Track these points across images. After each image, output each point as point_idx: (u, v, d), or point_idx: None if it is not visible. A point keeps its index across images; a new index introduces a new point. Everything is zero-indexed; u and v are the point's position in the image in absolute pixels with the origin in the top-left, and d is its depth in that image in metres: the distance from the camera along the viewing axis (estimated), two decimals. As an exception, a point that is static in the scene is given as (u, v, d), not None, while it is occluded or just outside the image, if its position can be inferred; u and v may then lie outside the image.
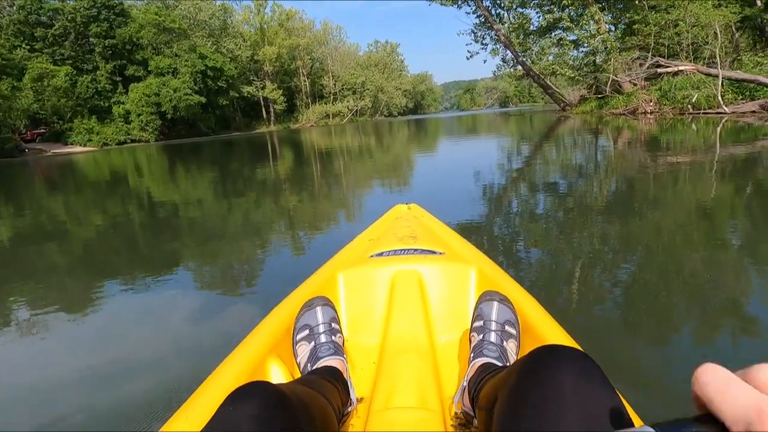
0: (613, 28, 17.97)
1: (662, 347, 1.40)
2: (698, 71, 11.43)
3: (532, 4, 19.73)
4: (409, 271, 1.03)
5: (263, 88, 42.66)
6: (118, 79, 32.65)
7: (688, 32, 13.35)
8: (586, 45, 18.18)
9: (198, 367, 1.38)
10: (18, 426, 1.23)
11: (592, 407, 0.42)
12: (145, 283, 2.37)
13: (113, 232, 3.79)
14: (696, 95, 11.07)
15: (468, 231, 2.72)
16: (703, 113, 10.72)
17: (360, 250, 1.17)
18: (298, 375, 0.83)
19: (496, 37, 21.15)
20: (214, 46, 37.95)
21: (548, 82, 20.15)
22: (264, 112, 44.47)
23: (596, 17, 17.21)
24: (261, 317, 0.95)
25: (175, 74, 32.22)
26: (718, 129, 7.78)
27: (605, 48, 16.96)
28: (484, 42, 22.21)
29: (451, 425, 0.72)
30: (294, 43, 44.16)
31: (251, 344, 0.83)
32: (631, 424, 0.36)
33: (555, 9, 18.31)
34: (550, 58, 19.58)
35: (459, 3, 21.31)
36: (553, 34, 19.41)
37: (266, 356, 0.80)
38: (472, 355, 0.82)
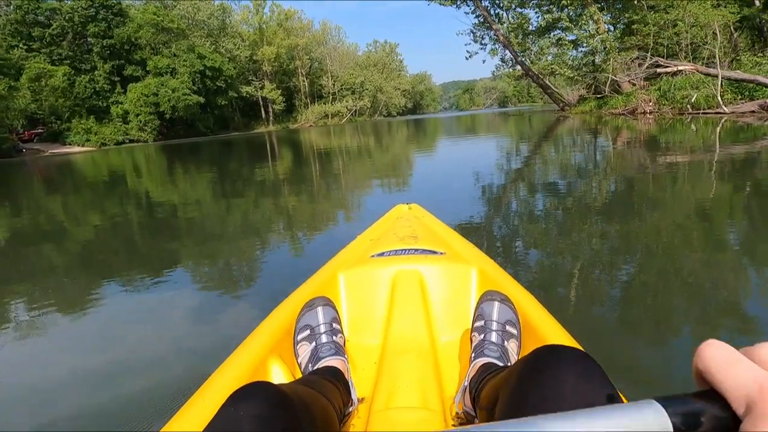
0: (612, 28, 17.99)
1: (662, 347, 1.40)
2: (697, 71, 11.45)
3: (531, 4, 19.75)
4: (410, 271, 1.03)
5: (262, 88, 42.61)
6: (117, 79, 32.58)
7: (687, 32, 13.38)
8: (585, 45, 18.22)
9: (198, 368, 1.38)
10: (18, 426, 1.23)
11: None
12: (146, 283, 2.37)
13: (112, 232, 3.78)
14: (695, 95, 11.08)
15: (469, 231, 2.72)
16: (702, 113, 10.74)
17: (361, 250, 1.17)
18: (299, 375, 0.83)
19: (495, 37, 21.16)
20: (213, 46, 37.90)
21: (547, 82, 20.17)
22: (263, 112, 44.42)
23: (595, 17, 17.23)
24: (262, 317, 0.95)
25: (174, 74, 32.17)
26: (718, 129, 7.80)
27: (604, 48, 16.98)
28: (483, 42, 22.24)
29: (452, 425, 0.72)
30: (293, 43, 44.12)
31: (252, 344, 0.83)
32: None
33: (554, 9, 18.33)
34: (549, 58, 19.60)
35: (458, 3, 21.32)
36: (552, 34, 19.43)
37: (267, 356, 0.80)
38: (473, 355, 0.82)
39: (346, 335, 0.96)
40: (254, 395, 0.47)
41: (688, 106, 11.24)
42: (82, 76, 30.90)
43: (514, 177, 4.93)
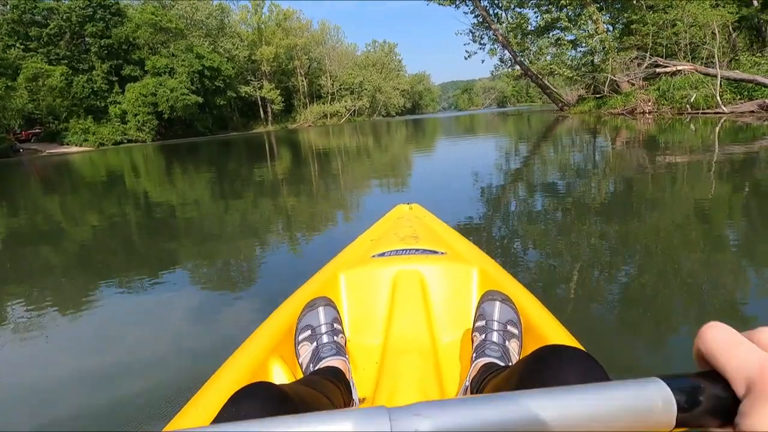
0: (611, 28, 18.02)
1: (663, 347, 1.41)
2: (697, 71, 11.47)
3: (530, 4, 19.77)
4: (410, 271, 1.03)
5: (261, 88, 42.57)
6: (115, 79, 32.51)
7: (685, 32, 13.41)
8: (584, 45, 18.24)
9: (198, 368, 1.37)
10: (18, 426, 1.23)
11: None
12: (144, 283, 2.36)
13: (110, 232, 3.77)
14: (694, 95, 11.10)
15: (469, 231, 2.72)
16: (701, 113, 10.76)
17: (362, 251, 1.17)
18: (300, 375, 0.82)
19: (494, 37, 21.18)
20: (211, 46, 37.85)
21: (546, 82, 20.20)
22: (261, 112, 44.38)
23: (594, 17, 17.25)
24: (262, 318, 0.95)
25: (172, 74, 32.11)
26: (717, 129, 7.81)
27: (603, 48, 17.01)
28: (482, 42, 22.26)
29: None
30: (291, 43, 44.09)
31: (253, 345, 0.82)
32: None
33: (553, 9, 18.35)
34: (548, 57, 19.63)
35: (457, 2, 21.33)
36: (551, 33, 19.46)
37: (268, 357, 0.80)
38: (474, 354, 0.81)
39: (347, 335, 0.95)
40: (256, 395, 0.47)
41: (687, 106, 11.26)
42: (80, 75, 30.82)
43: (513, 177, 4.93)
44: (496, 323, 0.85)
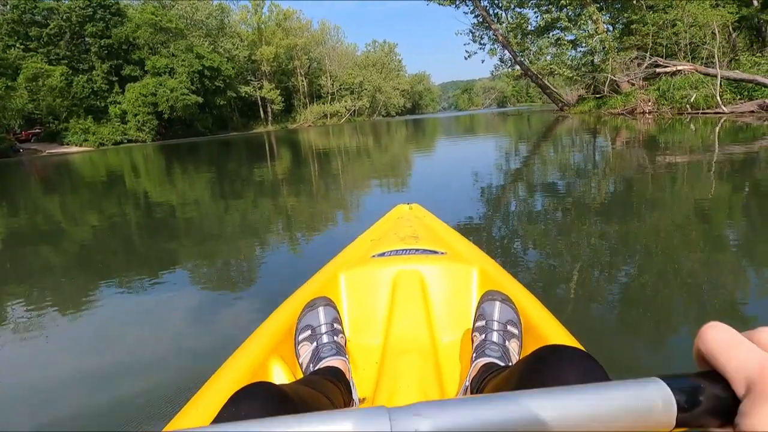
0: (611, 28, 18.01)
1: (663, 347, 1.41)
2: (697, 71, 11.46)
3: (530, 4, 19.77)
4: (410, 271, 1.03)
5: (261, 88, 42.57)
6: (115, 78, 32.50)
7: (685, 32, 13.41)
8: (584, 45, 18.24)
9: (198, 368, 1.37)
10: (18, 426, 1.23)
11: None
12: (144, 284, 2.36)
13: (110, 232, 3.77)
14: (694, 95, 11.10)
15: (469, 231, 2.72)
16: (701, 113, 10.75)
17: (362, 251, 1.17)
18: (300, 375, 0.82)
19: (494, 37, 21.18)
20: (211, 46, 37.85)
21: (546, 82, 20.19)
22: (261, 112, 44.38)
23: (594, 17, 17.25)
24: (262, 318, 0.95)
25: (172, 74, 32.11)
26: (717, 129, 7.81)
27: (603, 48, 17.00)
28: (482, 42, 22.26)
29: None
30: (291, 43, 44.09)
31: (253, 345, 0.82)
32: None
33: (553, 9, 18.35)
34: (548, 57, 19.62)
35: (457, 2, 21.32)
36: (551, 33, 19.46)
37: (268, 357, 0.80)
38: (474, 355, 0.81)
39: (347, 335, 0.95)
40: (256, 395, 0.47)
41: (687, 106, 11.25)
42: (80, 76, 30.82)
43: (513, 177, 4.93)
44: (496, 323, 0.85)
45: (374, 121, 43.29)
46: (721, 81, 10.63)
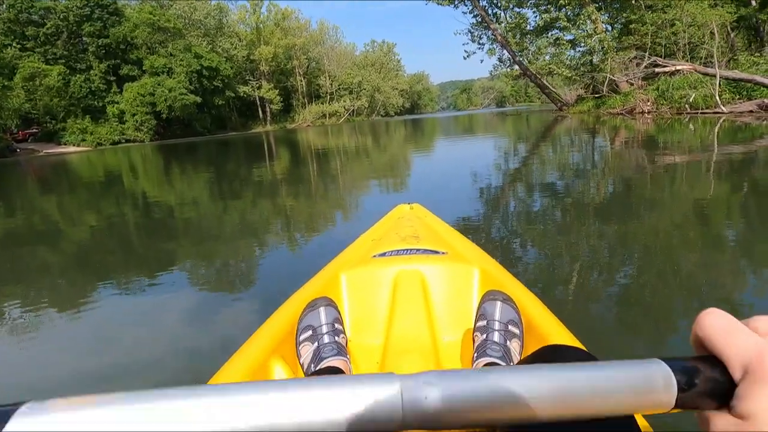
0: (609, 28, 18.05)
1: (663, 346, 1.41)
2: (696, 71, 11.48)
3: (528, 4, 19.80)
4: (411, 271, 1.02)
5: (259, 87, 42.53)
6: (113, 78, 32.43)
7: (684, 32, 13.44)
8: (582, 44, 18.26)
9: (199, 369, 1.37)
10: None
11: (603, 424, 0.42)
12: (144, 284, 2.35)
13: (108, 232, 3.76)
14: (693, 95, 11.12)
15: (470, 231, 2.72)
16: (700, 113, 10.78)
17: (363, 251, 1.17)
18: (301, 375, 0.82)
19: (493, 37, 21.20)
20: (210, 46, 37.79)
21: (545, 81, 20.22)
22: (260, 112, 44.34)
23: (593, 17, 17.28)
24: (263, 318, 0.95)
25: (170, 74, 32.05)
26: (716, 129, 7.83)
27: (602, 47, 17.04)
28: (480, 42, 22.28)
29: None
30: (290, 43, 44.06)
31: (254, 345, 0.82)
32: (634, 422, 0.37)
33: (552, 9, 18.38)
34: (547, 57, 19.64)
35: (455, 2, 21.33)
36: (549, 33, 19.49)
37: (269, 357, 0.80)
38: (475, 354, 0.81)
39: (348, 335, 0.95)
40: None
41: (687, 105, 11.27)
42: (78, 75, 30.73)
43: (513, 177, 4.94)
44: (497, 323, 0.84)
45: (373, 121, 43.29)
46: (720, 81, 10.65)
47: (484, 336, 0.83)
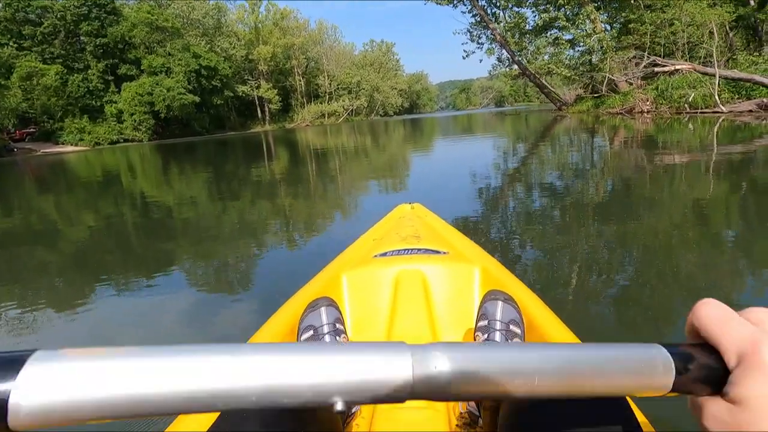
0: (608, 27, 18.08)
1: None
2: (695, 70, 11.50)
3: (527, 4, 19.81)
4: (412, 271, 1.02)
5: (258, 87, 42.49)
6: (110, 78, 32.35)
7: (683, 31, 13.47)
8: (581, 44, 18.28)
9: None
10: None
11: (599, 406, 0.41)
12: (143, 284, 2.34)
13: (106, 232, 3.74)
14: (693, 94, 11.13)
15: (471, 230, 2.72)
16: (699, 112, 10.79)
17: (363, 251, 1.16)
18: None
19: (492, 37, 21.21)
20: (208, 45, 37.74)
21: (544, 81, 20.24)
22: (259, 112, 44.30)
23: (592, 16, 17.30)
24: (264, 319, 0.94)
25: (169, 73, 32.00)
26: (715, 128, 7.84)
27: (601, 47, 17.06)
28: (479, 41, 22.30)
29: (456, 425, 0.71)
30: (289, 43, 44.02)
31: None
32: (635, 421, 0.38)
33: (551, 8, 18.40)
34: (546, 57, 19.66)
35: (455, 2, 21.34)
36: (548, 33, 19.50)
37: None
38: None
39: (349, 336, 0.94)
40: None
41: (686, 105, 11.29)
42: (75, 75, 30.66)
43: (513, 177, 4.93)
44: (498, 323, 0.84)
45: (372, 121, 43.28)
46: (719, 80, 10.66)
47: (486, 336, 0.83)
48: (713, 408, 0.21)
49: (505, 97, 76.98)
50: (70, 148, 28.34)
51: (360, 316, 0.99)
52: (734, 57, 12.83)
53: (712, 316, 0.22)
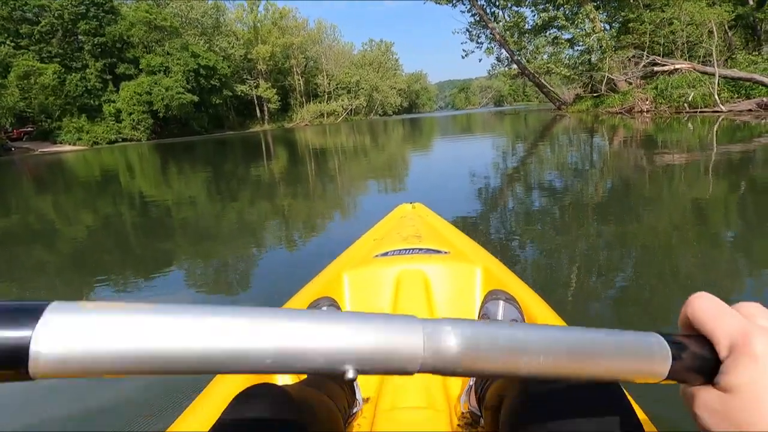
0: (608, 27, 18.08)
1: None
2: (695, 69, 11.49)
3: (527, 3, 19.81)
4: (413, 271, 1.01)
5: (257, 86, 42.42)
6: (109, 77, 32.26)
7: (683, 31, 13.47)
8: (581, 43, 18.28)
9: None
10: (17, 426, 1.21)
11: (599, 406, 0.41)
12: (142, 284, 2.33)
13: (105, 232, 3.74)
14: (692, 94, 11.13)
15: (472, 230, 2.72)
16: (699, 112, 10.79)
17: (365, 250, 1.16)
18: (303, 376, 0.81)
19: (491, 36, 21.20)
20: (207, 45, 37.66)
21: (543, 80, 20.24)
22: (258, 111, 44.23)
23: (591, 16, 17.30)
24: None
25: (167, 73, 31.92)
26: (715, 128, 7.85)
27: (600, 46, 17.06)
28: (479, 41, 22.29)
29: (458, 425, 0.71)
30: (288, 42, 43.95)
31: None
32: (637, 421, 0.38)
33: (550, 7, 18.39)
34: (545, 56, 19.66)
35: (454, 1, 21.33)
36: (548, 32, 19.50)
37: None
38: None
39: None
40: (259, 396, 0.47)
41: (685, 104, 11.29)
42: (73, 74, 30.55)
43: (513, 176, 4.94)
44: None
45: (371, 121, 43.25)
46: (718, 79, 10.66)
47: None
48: (705, 396, 0.22)
49: (504, 96, 76.98)
50: (68, 148, 28.25)
51: None
52: (733, 56, 12.84)
53: (706, 308, 0.23)
